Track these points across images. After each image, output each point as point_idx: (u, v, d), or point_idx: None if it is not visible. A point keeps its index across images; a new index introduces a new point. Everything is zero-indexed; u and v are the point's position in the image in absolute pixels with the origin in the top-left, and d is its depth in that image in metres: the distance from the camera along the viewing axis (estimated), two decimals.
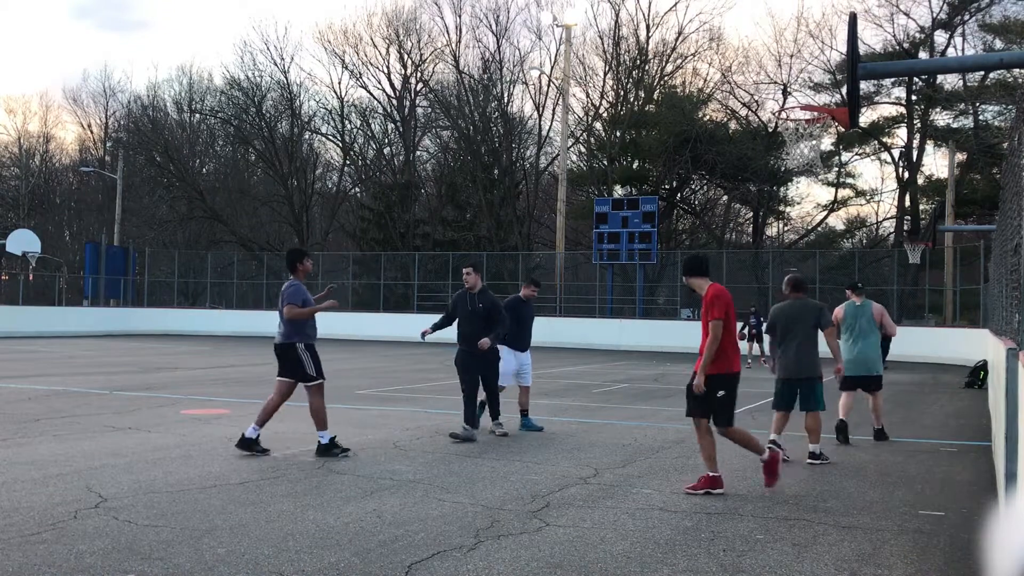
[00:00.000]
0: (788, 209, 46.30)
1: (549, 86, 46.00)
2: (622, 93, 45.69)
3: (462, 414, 9.76)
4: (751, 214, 45.62)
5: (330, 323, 36.06)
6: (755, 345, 23.56)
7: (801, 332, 8.53)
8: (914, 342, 27.46)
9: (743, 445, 7.37)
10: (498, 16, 47.61)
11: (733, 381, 7.11)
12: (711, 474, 7.08)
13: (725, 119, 43.43)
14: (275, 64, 53.20)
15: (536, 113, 47.48)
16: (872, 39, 44.59)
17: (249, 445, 8.41)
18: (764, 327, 10.20)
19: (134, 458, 8.14)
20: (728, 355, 7.03)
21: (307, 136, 53.15)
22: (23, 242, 36.27)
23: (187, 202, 51.34)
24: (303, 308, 8.51)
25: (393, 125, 51.32)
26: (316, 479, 7.32)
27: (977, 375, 18.28)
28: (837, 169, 43.23)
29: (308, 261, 8.94)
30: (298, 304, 8.50)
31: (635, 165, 44.47)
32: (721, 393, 7.04)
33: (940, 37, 39.55)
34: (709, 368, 6.98)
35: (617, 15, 45.10)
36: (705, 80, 44.37)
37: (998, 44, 36.60)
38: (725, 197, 46.75)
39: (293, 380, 8.58)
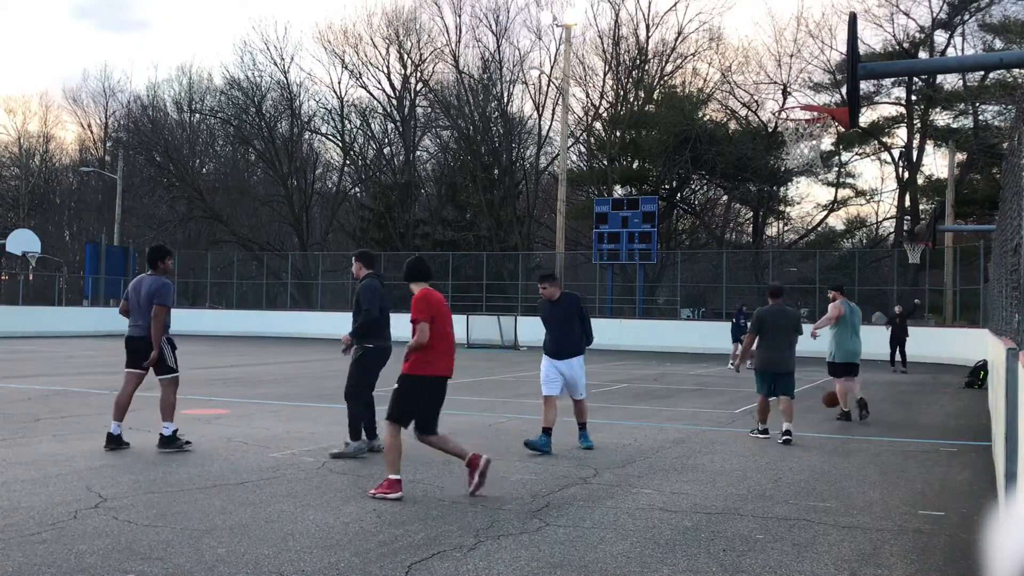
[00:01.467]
0: (788, 209, 46.34)
1: (549, 86, 46.05)
2: (622, 93, 45.70)
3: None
4: (751, 214, 45.63)
5: (330, 323, 36.11)
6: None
7: (782, 334, 10.01)
8: (914, 342, 27.42)
9: (444, 451, 6.98)
10: (498, 16, 47.67)
11: (422, 384, 6.77)
12: (391, 477, 6.67)
13: (725, 119, 43.43)
14: (275, 64, 53.19)
15: (536, 113, 47.55)
16: (872, 39, 44.60)
17: (118, 441, 8.56)
18: (748, 327, 11.12)
19: (134, 458, 8.13)
20: (427, 359, 6.75)
21: (307, 136, 53.20)
22: (23, 242, 36.27)
23: (187, 202, 51.34)
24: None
25: (393, 125, 51.34)
26: (316, 479, 7.32)
27: (977, 375, 18.27)
28: (837, 169, 43.24)
29: (169, 260, 9.19)
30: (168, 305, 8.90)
31: (635, 165, 44.47)
32: (397, 387, 6.78)
33: (940, 37, 39.59)
34: (404, 367, 6.77)
35: (617, 15, 45.16)
36: (705, 80, 44.42)
37: (998, 44, 36.61)
38: (725, 197, 46.76)
39: (144, 372, 8.91)
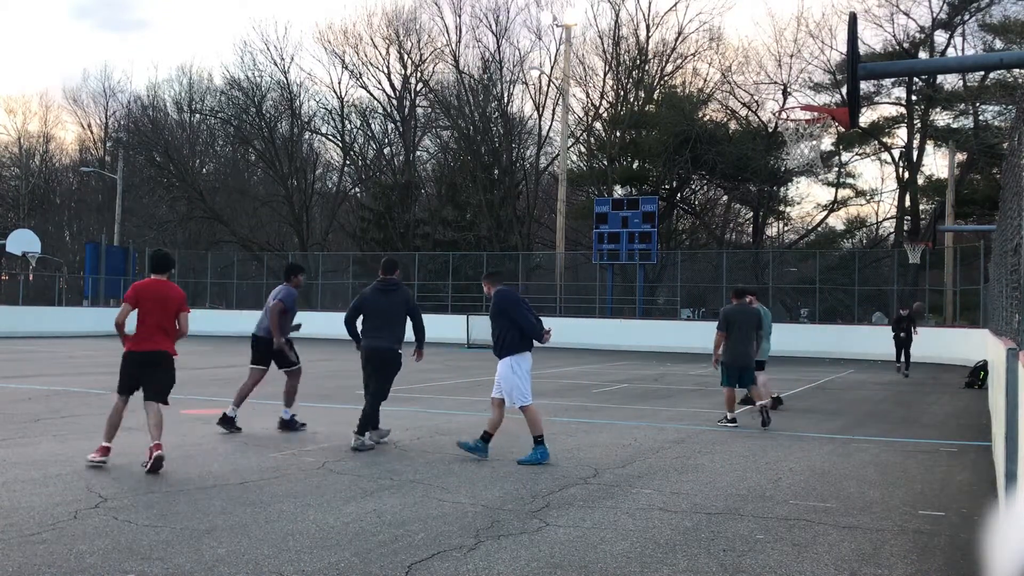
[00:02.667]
0: (788, 209, 46.31)
1: (549, 86, 46.04)
2: (622, 93, 45.69)
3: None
4: (751, 214, 45.61)
5: (330, 324, 36.09)
6: None
7: (746, 331, 11.10)
8: (914, 342, 27.45)
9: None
10: (498, 16, 47.65)
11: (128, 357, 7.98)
12: (104, 444, 7.80)
13: (725, 119, 43.42)
14: (275, 64, 53.21)
15: (536, 113, 47.53)
16: (872, 39, 44.58)
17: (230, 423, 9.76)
18: (718, 325, 11.57)
19: (134, 458, 8.13)
20: (130, 338, 7.96)
21: (307, 136, 53.19)
22: (23, 242, 36.27)
23: (187, 202, 51.33)
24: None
25: (393, 125, 51.35)
26: (316, 479, 7.32)
27: (977, 375, 18.27)
28: (837, 169, 43.21)
29: (301, 276, 10.53)
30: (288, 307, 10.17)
31: (635, 165, 44.46)
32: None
33: (940, 37, 39.58)
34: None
35: (617, 15, 45.14)
36: (705, 80, 44.40)
37: (998, 44, 36.60)
38: (725, 197, 46.74)
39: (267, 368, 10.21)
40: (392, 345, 9.05)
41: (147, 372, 7.94)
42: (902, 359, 21.25)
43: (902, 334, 21.11)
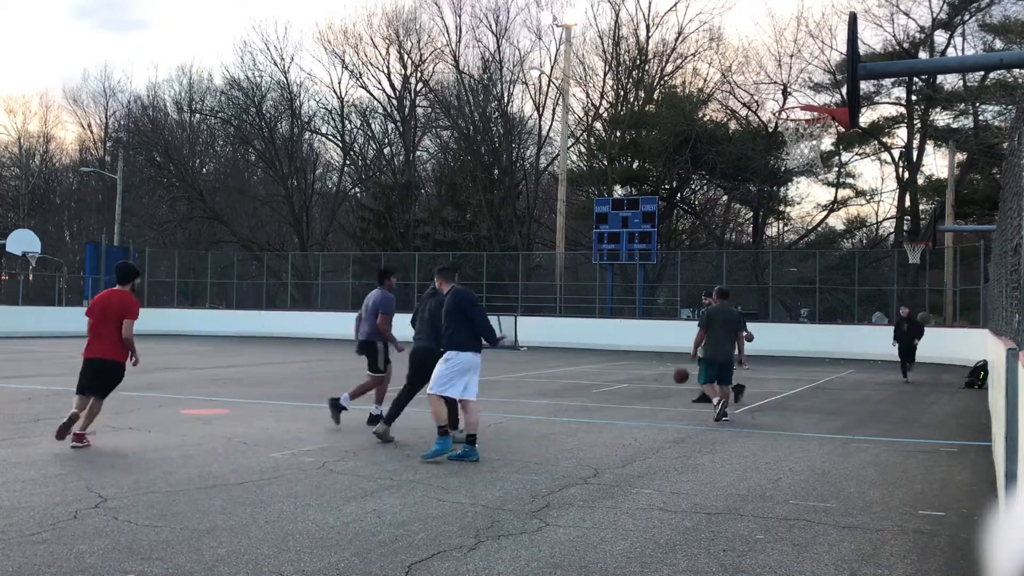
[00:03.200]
0: (788, 209, 46.31)
1: (549, 86, 46.04)
2: (622, 93, 45.69)
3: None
4: (751, 214, 45.61)
5: (331, 324, 36.12)
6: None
7: (727, 330, 11.65)
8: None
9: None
10: (498, 16, 47.65)
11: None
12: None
13: (725, 119, 43.42)
14: (275, 64, 53.19)
15: (536, 113, 47.53)
16: (872, 39, 44.58)
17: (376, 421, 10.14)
18: (700, 323, 12.15)
19: (134, 458, 8.13)
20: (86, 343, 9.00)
21: (307, 136, 53.18)
22: (23, 242, 36.26)
23: (187, 202, 51.33)
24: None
25: (393, 125, 51.35)
26: (316, 479, 7.32)
27: (977, 375, 18.27)
28: (837, 169, 43.21)
29: (394, 278, 10.95)
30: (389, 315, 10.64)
31: (635, 165, 44.46)
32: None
33: (940, 37, 39.58)
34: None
35: (617, 15, 45.14)
36: (705, 80, 44.40)
37: (998, 44, 36.60)
38: (725, 197, 46.75)
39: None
40: (434, 346, 9.19)
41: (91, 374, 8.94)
42: (907, 364, 19.72)
43: (915, 341, 19.53)
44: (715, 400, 11.59)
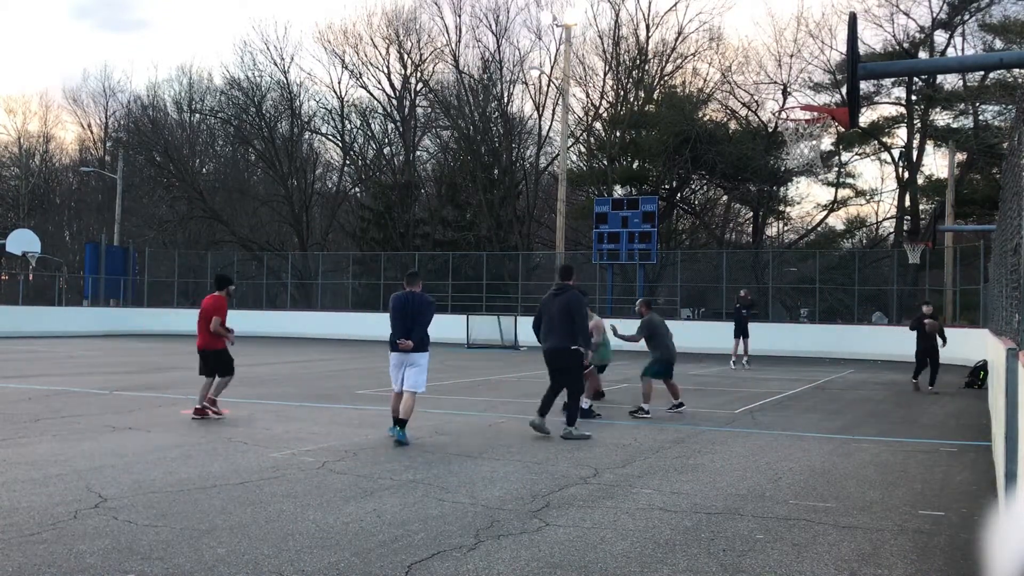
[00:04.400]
0: (788, 209, 46.30)
1: (549, 86, 46.04)
2: (622, 93, 45.68)
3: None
4: (751, 214, 45.61)
5: (331, 324, 36.13)
6: (741, 342, 23.33)
7: (669, 333, 13.00)
8: (914, 342, 27.36)
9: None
10: (498, 16, 47.64)
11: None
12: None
13: (725, 119, 43.40)
14: (275, 64, 53.18)
15: (536, 113, 47.51)
16: (872, 39, 44.61)
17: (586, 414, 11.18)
18: (637, 332, 13.04)
19: (134, 458, 8.14)
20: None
21: (307, 136, 53.17)
22: (23, 242, 36.27)
23: (187, 202, 51.34)
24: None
25: (393, 125, 51.33)
26: (316, 479, 7.32)
27: (977, 375, 18.25)
28: (837, 169, 43.21)
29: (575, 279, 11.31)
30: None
31: (635, 165, 44.45)
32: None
33: (940, 37, 39.56)
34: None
35: (617, 15, 45.13)
36: (705, 80, 44.38)
37: (998, 44, 36.59)
38: (725, 197, 46.73)
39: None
40: (563, 345, 9.82)
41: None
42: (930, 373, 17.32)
43: (939, 342, 17.28)
44: (644, 405, 12.18)
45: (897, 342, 25.54)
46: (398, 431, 9.26)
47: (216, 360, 11.21)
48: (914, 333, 17.70)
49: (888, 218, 44.94)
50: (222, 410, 11.19)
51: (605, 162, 44.67)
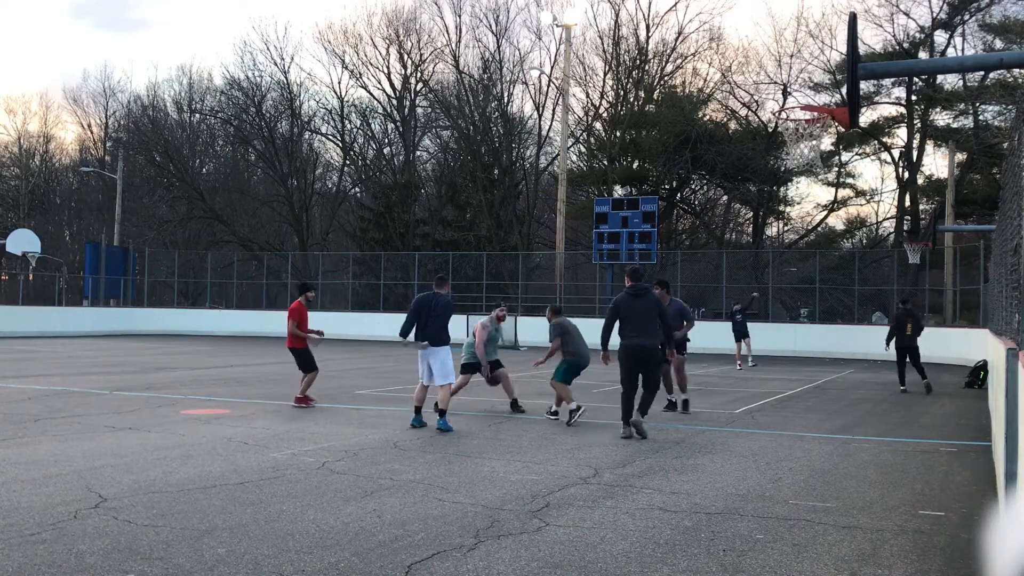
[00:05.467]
0: (788, 209, 46.33)
1: (549, 86, 46.05)
2: (622, 93, 45.69)
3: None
4: (751, 214, 45.62)
5: (331, 324, 36.10)
6: (743, 344, 23.23)
7: (581, 336, 12.44)
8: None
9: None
10: (498, 16, 47.68)
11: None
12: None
13: (725, 119, 43.42)
14: (275, 64, 53.27)
15: (536, 113, 47.54)
16: (872, 39, 44.61)
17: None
18: (551, 337, 12.45)
19: (134, 458, 8.14)
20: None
21: (307, 136, 53.19)
22: (23, 242, 36.27)
23: (187, 202, 51.35)
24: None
25: (393, 125, 51.35)
26: (316, 479, 7.32)
27: (977, 375, 18.24)
28: (837, 169, 43.23)
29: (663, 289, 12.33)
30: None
31: (635, 165, 44.46)
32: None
33: (940, 37, 39.59)
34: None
35: (617, 15, 45.15)
36: (705, 80, 44.41)
37: (998, 44, 36.60)
38: (725, 197, 46.74)
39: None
40: (654, 343, 10.30)
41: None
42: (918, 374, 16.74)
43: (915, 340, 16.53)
44: (556, 407, 11.83)
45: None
46: (439, 420, 10.21)
47: (298, 358, 12.64)
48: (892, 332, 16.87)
49: (888, 218, 44.99)
50: (310, 401, 12.47)
51: (605, 162, 44.68)
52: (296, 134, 51.55)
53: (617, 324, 10.29)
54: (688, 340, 13.39)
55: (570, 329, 12.42)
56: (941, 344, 26.59)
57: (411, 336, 10.78)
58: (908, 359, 16.61)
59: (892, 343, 16.80)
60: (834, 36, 39.85)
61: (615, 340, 10.37)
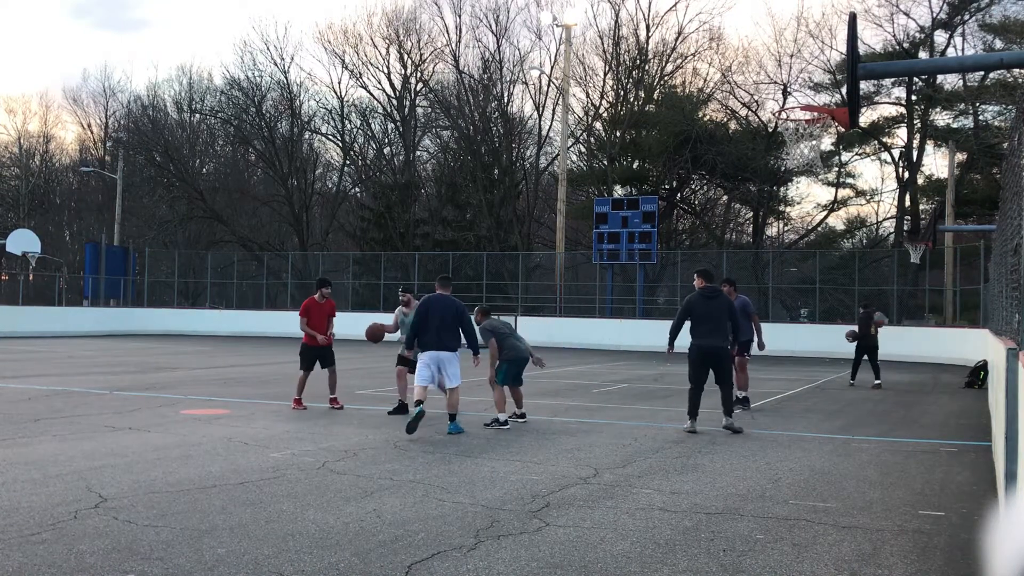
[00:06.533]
0: (788, 209, 46.30)
1: (549, 86, 46.05)
2: (622, 93, 45.68)
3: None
4: (751, 214, 45.61)
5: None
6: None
7: (515, 332, 12.09)
8: (914, 342, 27.40)
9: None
10: (498, 16, 47.65)
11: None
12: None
13: (725, 119, 43.41)
14: (275, 64, 53.18)
15: (536, 113, 47.52)
16: (872, 39, 44.60)
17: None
18: (483, 339, 11.89)
19: (134, 458, 8.14)
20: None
21: (307, 136, 53.18)
22: (23, 242, 36.26)
23: (187, 202, 51.35)
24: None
25: (393, 125, 51.34)
26: (316, 479, 7.32)
27: (977, 375, 18.25)
28: (837, 169, 43.21)
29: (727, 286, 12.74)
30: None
31: (635, 165, 44.46)
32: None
33: (940, 37, 39.58)
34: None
35: (617, 15, 45.14)
36: (705, 80, 44.39)
37: (998, 44, 36.59)
38: (725, 197, 46.73)
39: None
40: (724, 344, 10.78)
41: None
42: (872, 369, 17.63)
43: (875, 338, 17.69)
44: (503, 416, 11.16)
45: (897, 343, 25.54)
46: (451, 424, 10.26)
47: (310, 355, 12.44)
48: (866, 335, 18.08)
49: (888, 218, 44.97)
50: (335, 402, 12.32)
51: (605, 162, 44.67)
52: (296, 134, 51.55)
53: (688, 323, 10.72)
54: (751, 342, 13.72)
55: (502, 329, 11.98)
56: (941, 344, 26.61)
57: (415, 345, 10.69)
58: (867, 357, 17.92)
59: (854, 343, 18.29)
60: (834, 36, 39.86)
61: (684, 340, 10.75)
